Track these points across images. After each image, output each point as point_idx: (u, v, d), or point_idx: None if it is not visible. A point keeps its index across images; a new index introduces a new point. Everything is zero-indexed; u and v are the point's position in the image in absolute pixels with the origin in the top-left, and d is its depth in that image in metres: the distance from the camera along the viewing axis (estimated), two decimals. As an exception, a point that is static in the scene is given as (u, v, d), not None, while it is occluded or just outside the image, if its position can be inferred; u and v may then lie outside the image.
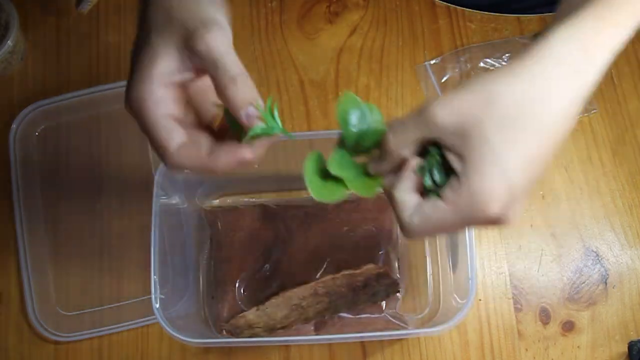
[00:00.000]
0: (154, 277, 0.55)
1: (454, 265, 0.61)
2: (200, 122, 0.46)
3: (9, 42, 0.72)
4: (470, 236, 0.55)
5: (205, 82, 0.45)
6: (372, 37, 0.77)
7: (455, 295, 0.60)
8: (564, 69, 0.39)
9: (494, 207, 0.38)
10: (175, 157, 0.43)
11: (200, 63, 0.42)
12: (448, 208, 0.39)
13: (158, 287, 0.55)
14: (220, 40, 0.42)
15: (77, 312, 0.68)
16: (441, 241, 0.68)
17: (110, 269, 0.70)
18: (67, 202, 0.72)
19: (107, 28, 0.78)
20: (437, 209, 0.40)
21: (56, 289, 0.69)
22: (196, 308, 0.67)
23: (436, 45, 0.77)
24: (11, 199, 0.71)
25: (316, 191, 0.45)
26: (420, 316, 0.67)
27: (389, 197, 0.43)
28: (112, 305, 0.68)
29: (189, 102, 0.46)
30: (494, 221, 0.39)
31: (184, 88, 0.45)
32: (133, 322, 0.67)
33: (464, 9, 0.78)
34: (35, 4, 0.79)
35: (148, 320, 0.67)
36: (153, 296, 0.55)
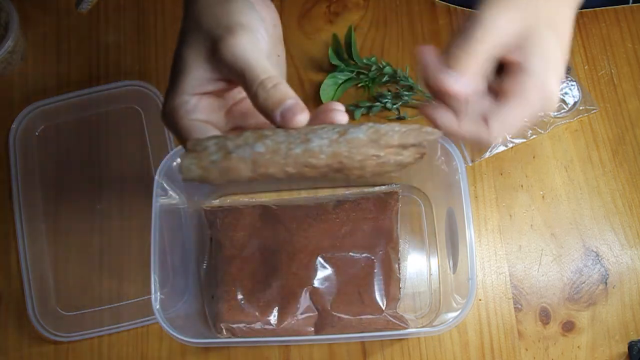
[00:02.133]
0: (154, 277, 0.55)
1: (454, 266, 0.61)
2: None
3: (9, 42, 0.72)
4: (471, 236, 0.55)
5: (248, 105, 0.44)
6: (372, 37, 0.77)
7: (456, 295, 0.60)
8: None
9: (556, 94, 0.46)
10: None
11: (228, 73, 0.41)
12: (523, 108, 0.45)
13: (158, 287, 0.55)
14: (245, 46, 0.40)
15: (77, 312, 0.68)
16: (441, 241, 0.68)
17: (110, 269, 0.70)
18: (67, 202, 0.72)
19: (107, 28, 0.78)
20: (514, 112, 0.45)
21: (56, 289, 0.69)
22: (196, 308, 0.67)
23: (436, 45, 0.77)
24: (11, 199, 0.71)
25: None
26: (420, 316, 0.67)
27: (458, 135, 0.46)
28: (112, 305, 0.68)
29: (231, 114, 0.46)
30: (552, 106, 0.47)
31: (221, 97, 0.44)
32: (133, 322, 0.67)
33: (464, 9, 0.78)
34: (35, 4, 0.79)
35: (148, 320, 0.67)
36: (153, 296, 0.55)
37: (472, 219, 0.55)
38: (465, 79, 0.44)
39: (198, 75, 0.42)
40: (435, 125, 0.46)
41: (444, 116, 0.46)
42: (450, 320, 0.54)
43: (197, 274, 0.68)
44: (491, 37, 0.44)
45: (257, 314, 0.65)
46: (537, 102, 0.45)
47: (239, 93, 0.47)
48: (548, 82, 0.45)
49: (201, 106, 0.43)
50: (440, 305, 0.66)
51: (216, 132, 0.43)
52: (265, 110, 0.40)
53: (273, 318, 0.64)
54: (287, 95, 0.40)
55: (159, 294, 0.55)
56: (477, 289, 0.56)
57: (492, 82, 0.47)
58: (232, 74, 0.41)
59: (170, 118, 0.43)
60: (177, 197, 0.64)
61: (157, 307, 0.55)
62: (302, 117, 0.41)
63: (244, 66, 0.40)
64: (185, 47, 0.43)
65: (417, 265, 0.69)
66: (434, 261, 0.69)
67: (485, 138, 0.46)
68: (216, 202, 0.71)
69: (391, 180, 0.70)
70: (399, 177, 0.70)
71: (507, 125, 0.46)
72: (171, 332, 0.54)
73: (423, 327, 0.65)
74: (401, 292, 0.67)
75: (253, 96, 0.40)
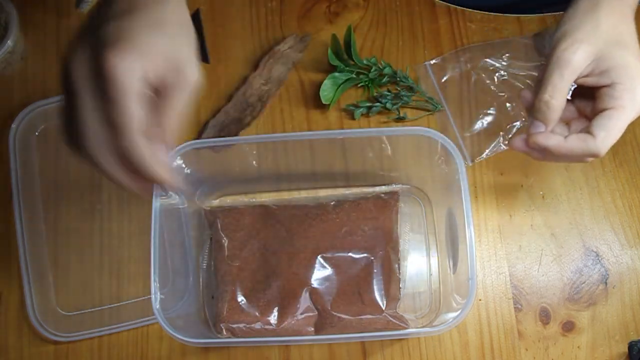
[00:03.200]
0: (154, 277, 0.55)
1: (454, 266, 0.61)
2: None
3: (9, 42, 0.72)
4: (471, 236, 0.55)
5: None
6: (372, 37, 0.77)
7: (456, 295, 0.60)
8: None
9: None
10: (136, 135, 0.41)
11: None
12: (623, 115, 0.53)
13: (158, 287, 0.55)
14: (122, 67, 0.41)
15: (77, 312, 0.68)
16: (441, 241, 0.68)
17: (110, 269, 0.70)
18: (67, 202, 0.72)
19: (107, 28, 0.78)
20: (617, 120, 0.53)
21: (56, 289, 0.69)
22: (196, 308, 0.67)
23: (436, 45, 0.77)
24: (11, 199, 0.71)
25: None
26: (420, 316, 0.67)
27: (563, 153, 0.54)
28: (112, 305, 0.68)
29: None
30: None
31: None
32: (133, 322, 0.67)
33: (464, 9, 0.78)
34: (35, 4, 0.79)
35: (148, 320, 0.67)
36: (153, 296, 0.55)
37: (472, 219, 0.55)
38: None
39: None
40: (540, 147, 0.55)
41: (549, 138, 0.54)
42: (450, 320, 0.54)
43: (197, 274, 0.68)
44: (570, 76, 0.53)
45: (257, 314, 0.65)
46: (632, 108, 0.53)
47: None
48: (637, 90, 0.53)
49: (143, 84, 0.42)
50: (440, 305, 0.66)
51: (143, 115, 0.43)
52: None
53: (273, 318, 0.64)
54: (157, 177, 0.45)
55: (159, 294, 0.55)
56: (477, 289, 0.56)
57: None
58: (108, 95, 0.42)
59: (119, 68, 0.41)
60: (176, 197, 0.64)
61: (157, 307, 0.55)
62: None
63: (117, 93, 0.41)
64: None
65: (417, 265, 0.69)
66: (434, 261, 0.69)
67: (594, 148, 0.53)
68: (216, 202, 0.71)
69: (391, 180, 0.71)
70: (399, 177, 0.70)
71: (612, 134, 0.53)
72: (171, 332, 0.54)
73: (423, 327, 0.65)
74: (401, 292, 0.67)
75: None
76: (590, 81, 0.54)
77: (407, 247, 0.69)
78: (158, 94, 0.43)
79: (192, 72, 0.43)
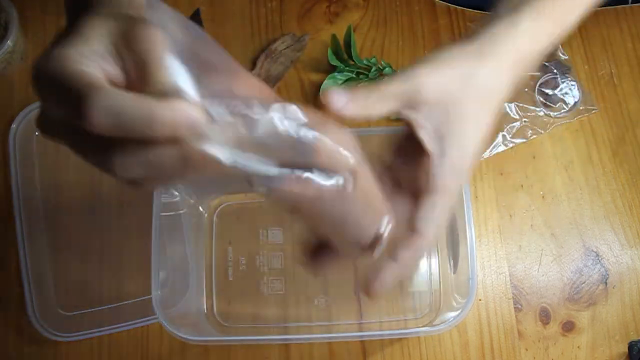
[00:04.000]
0: (154, 276, 0.55)
1: (455, 266, 0.61)
2: None
3: (9, 42, 0.72)
4: (471, 236, 0.55)
5: None
6: (372, 37, 0.77)
7: (456, 295, 0.60)
8: (512, 57, 0.42)
9: (466, 180, 0.43)
10: (110, 94, 0.28)
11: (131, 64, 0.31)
12: (442, 198, 0.41)
13: (159, 285, 0.55)
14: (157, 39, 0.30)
15: (77, 312, 0.68)
16: (442, 241, 0.68)
17: (110, 269, 0.70)
18: (67, 202, 0.72)
19: (107, 28, 0.78)
20: (435, 206, 0.41)
21: (56, 289, 0.69)
22: (196, 307, 0.67)
23: (436, 45, 0.77)
24: (11, 199, 0.71)
25: None
26: (420, 316, 0.67)
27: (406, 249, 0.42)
28: (112, 305, 0.68)
29: None
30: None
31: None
32: (133, 322, 0.67)
33: (464, 8, 0.78)
34: (35, 4, 0.79)
35: (148, 320, 0.67)
36: (153, 294, 0.55)
37: (472, 219, 0.55)
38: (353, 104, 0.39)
39: (99, 51, 0.32)
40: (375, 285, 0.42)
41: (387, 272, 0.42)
42: (450, 319, 0.54)
43: (198, 273, 0.68)
44: (409, 87, 0.40)
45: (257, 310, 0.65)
46: (456, 191, 0.42)
47: None
48: (464, 172, 0.42)
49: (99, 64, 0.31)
50: (440, 305, 0.66)
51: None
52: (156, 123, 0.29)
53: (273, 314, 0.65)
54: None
55: (159, 292, 0.55)
56: (477, 289, 0.56)
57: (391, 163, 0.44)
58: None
59: (59, 64, 0.31)
60: (177, 195, 0.64)
61: (158, 305, 0.55)
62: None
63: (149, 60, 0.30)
64: (90, 15, 0.33)
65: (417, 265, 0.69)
66: (435, 261, 0.69)
67: (421, 246, 0.42)
68: (216, 202, 0.71)
69: None
70: None
71: (437, 223, 0.42)
72: (171, 330, 0.54)
73: (424, 326, 0.65)
74: (402, 292, 0.67)
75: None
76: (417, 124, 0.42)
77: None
78: None
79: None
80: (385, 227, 0.40)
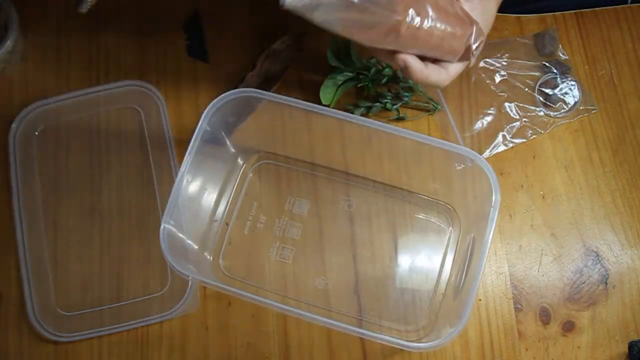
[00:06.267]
0: (169, 207, 0.55)
1: (460, 289, 0.60)
2: None
3: (9, 42, 0.72)
4: (481, 262, 0.54)
5: None
6: (372, 37, 0.77)
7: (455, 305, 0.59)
8: None
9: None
10: None
11: None
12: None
13: (170, 217, 0.56)
14: None
15: (77, 312, 0.68)
16: (456, 260, 0.68)
17: (110, 269, 0.70)
18: (67, 202, 0.72)
19: (107, 28, 0.78)
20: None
21: (56, 289, 0.69)
22: (203, 250, 0.68)
23: (436, 45, 0.77)
24: (11, 199, 0.71)
25: None
26: (420, 318, 0.67)
27: (420, 76, 0.58)
28: (112, 305, 0.68)
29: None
30: None
31: None
32: (133, 322, 0.67)
33: (464, 9, 0.78)
34: (35, 4, 0.79)
35: (148, 320, 0.67)
36: (163, 225, 0.55)
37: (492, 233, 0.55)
38: None
39: None
40: (406, 64, 0.57)
41: (415, 60, 0.58)
42: (453, 328, 0.53)
43: (212, 218, 0.69)
44: None
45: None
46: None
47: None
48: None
49: None
50: (440, 305, 0.66)
51: None
52: None
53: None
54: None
55: (169, 225, 0.55)
56: (477, 289, 0.55)
57: None
58: None
59: None
60: (215, 142, 0.65)
61: (164, 238, 0.55)
62: None
63: None
64: None
65: (424, 274, 0.68)
66: (444, 278, 0.68)
67: (445, 77, 0.60)
68: (255, 157, 0.73)
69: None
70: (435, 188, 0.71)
71: (458, 69, 0.60)
72: (170, 260, 0.55)
73: (424, 330, 0.65)
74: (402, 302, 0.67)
75: None
76: None
77: (419, 255, 0.69)
78: None
79: None
80: (475, 37, 0.59)
